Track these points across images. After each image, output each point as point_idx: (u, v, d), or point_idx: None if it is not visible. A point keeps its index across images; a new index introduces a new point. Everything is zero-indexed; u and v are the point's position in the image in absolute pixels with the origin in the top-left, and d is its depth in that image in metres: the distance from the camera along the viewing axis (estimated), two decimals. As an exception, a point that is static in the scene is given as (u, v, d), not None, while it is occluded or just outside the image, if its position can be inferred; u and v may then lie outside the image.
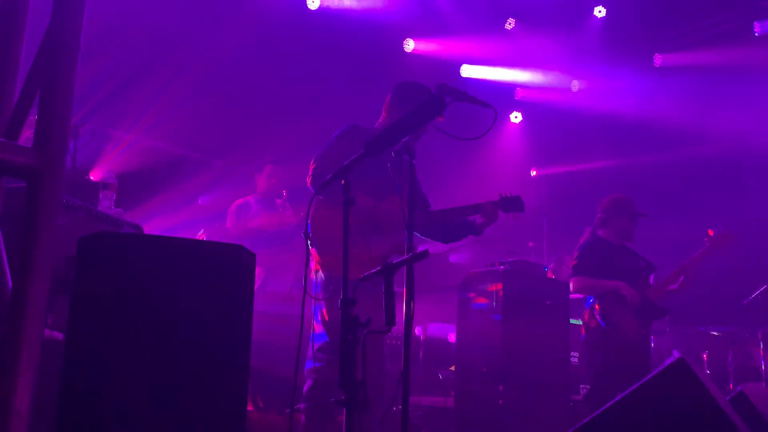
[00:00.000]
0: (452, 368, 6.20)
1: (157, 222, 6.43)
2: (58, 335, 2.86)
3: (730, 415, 2.35)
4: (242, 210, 6.54)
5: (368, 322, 2.34)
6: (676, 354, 2.18)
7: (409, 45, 9.19)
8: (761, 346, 6.07)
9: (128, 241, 2.04)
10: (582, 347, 5.38)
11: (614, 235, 5.34)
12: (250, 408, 5.14)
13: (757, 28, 8.82)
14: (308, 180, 3.84)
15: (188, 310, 1.97)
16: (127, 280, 1.97)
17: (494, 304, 5.37)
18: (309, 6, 7.63)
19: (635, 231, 5.37)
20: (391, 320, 2.43)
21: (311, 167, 3.84)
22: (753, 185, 8.83)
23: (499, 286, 5.38)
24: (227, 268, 2.06)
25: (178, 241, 2.08)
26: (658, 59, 9.80)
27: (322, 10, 7.80)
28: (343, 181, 2.52)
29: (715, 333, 6.31)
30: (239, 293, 2.06)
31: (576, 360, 6.60)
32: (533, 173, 11.08)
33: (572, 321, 6.23)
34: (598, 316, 5.05)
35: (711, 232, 5.18)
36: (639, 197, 5.63)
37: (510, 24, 9.44)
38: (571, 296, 6.15)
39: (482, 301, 5.49)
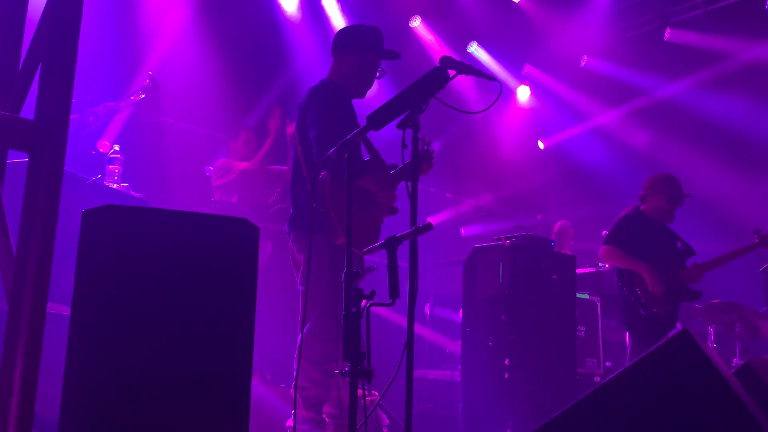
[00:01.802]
0: (459, 342, 6.22)
1: (165, 196, 6.45)
2: (65, 309, 2.88)
3: (734, 387, 2.35)
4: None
5: (372, 295, 2.35)
6: (679, 326, 2.18)
7: (416, 21, 9.13)
8: (768, 320, 6.07)
9: (133, 215, 2.04)
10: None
11: (653, 213, 5.36)
12: (257, 381, 5.19)
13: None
14: (316, 155, 3.63)
15: (193, 283, 1.98)
16: (131, 254, 1.97)
17: (501, 278, 5.38)
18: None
19: (676, 211, 5.37)
20: (394, 293, 2.44)
21: (317, 139, 3.62)
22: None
23: (506, 260, 5.38)
24: (232, 241, 2.07)
25: (182, 214, 2.08)
26: (668, 34, 9.73)
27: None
28: (346, 155, 2.51)
29: (722, 307, 6.29)
30: (244, 266, 2.06)
31: (582, 334, 6.62)
32: (541, 145, 11.04)
33: (579, 295, 6.24)
34: (624, 288, 5.13)
35: (757, 236, 5.32)
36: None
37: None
38: (601, 265, 6.15)
39: (489, 275, 5.49)
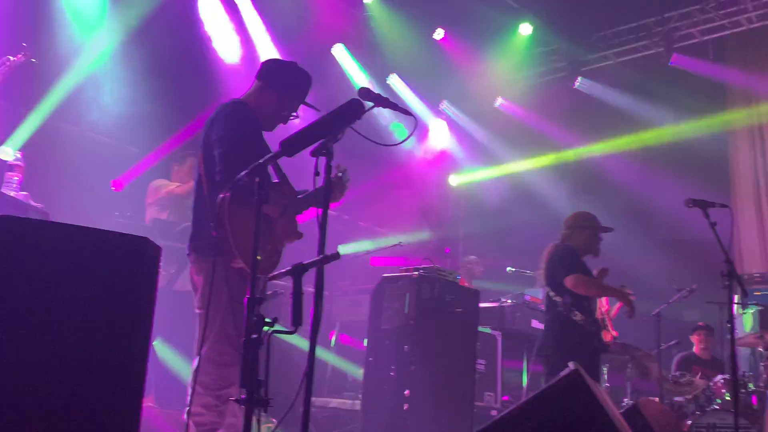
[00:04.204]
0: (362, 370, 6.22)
1: (67, 207, 6.21)
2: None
3: (619, 428, 2.44)
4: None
5: (274, 322, 2.33)
6: (571, 366, 2.26)
7: (338, 50, 9.20)
8: (658, 362, 6.35)
9: (27, 227, 1.96)
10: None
11: (581, 248, 5.46)
12: (150, 403, 5.03)
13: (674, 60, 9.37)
14: (219, 173, 3.47)
15: (86, 301, 1.91)
16: (22, 268, 1.89)
17: (407, 308, 5.42)
18: None
19: (599, 246, 5.50)
20: (298, 321, 2.42)
21: (222, 158, 3.50)
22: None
23: (413, 291, 5.43)
24: (131, 259, 2.01)
25: (80, 229, 2.01)
26: (578, 81, 10.22)
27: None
28: (257, 179, 2.49)
29: (616, 348, 6.54)
30: (141, 284, 2.01)
31: (482, 367, 6.73)
32: (453, 182, 11.27)
33: (481, 329, 6.36)
34: (580, 317, 5.15)
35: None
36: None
37: (439, 34, 9.57)
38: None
39: (395, 305, 5.52)
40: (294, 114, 3.88)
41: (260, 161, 2.53)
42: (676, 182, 8.59)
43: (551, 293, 5.32)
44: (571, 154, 10.27)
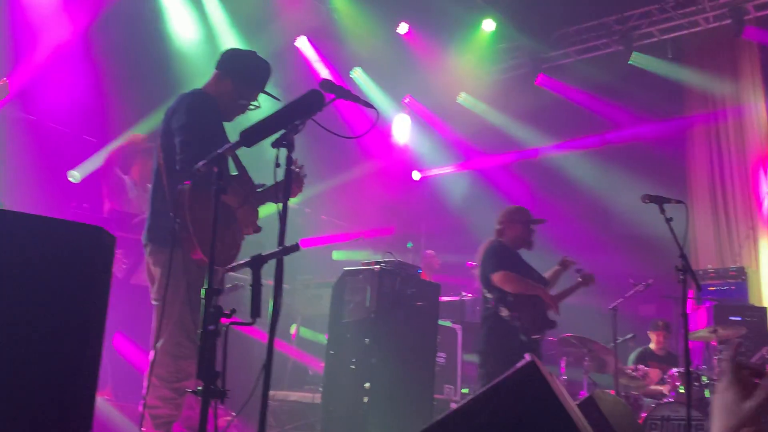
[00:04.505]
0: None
1: (24, 197, 6.08)
2: None
3: (574, 419, 2.47)
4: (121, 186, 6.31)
5: (232, 313, 2.31)
6: (527, 357, 2.28)
7: (302, 42, 9.15)
8: (614, 355, 6.45)
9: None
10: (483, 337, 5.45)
11: (513, 242, 5.51)
12: (106, 396, 4.96)
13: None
14: (179, 162, 3.45)
15: (37, 291, 1.86)
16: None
17: (368, 302, 5.42)
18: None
19: (533, 239, 5.55)
20: (256, 312, 2.40)
21: (183, 147, 3.48)
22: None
23: (374, 284, 5.43)
24: (85, 249, 1.97)
25: (33, 218, 1.96)
26: (539, 78, 10.33)
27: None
28: (216, 169, 2.47)
29: (574, 341, 6.63)
30: (95, 275, 1.97)
31: (443, 360, 6.77)
32: (416, 176, 11.30)
33: (441, 322, 6.39)
34: (507, 313, 5.18)
35: (580, 275, 5.58)
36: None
37: (403, 29, 9.58)
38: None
39: (356, 298, 5.52)
40: (253, 104, 3.85)
41: (219, 150, 2.51)
42: (634, 181, 8.76)
43: (483, 290, 5.42)
44: (532, 151, 10.41)
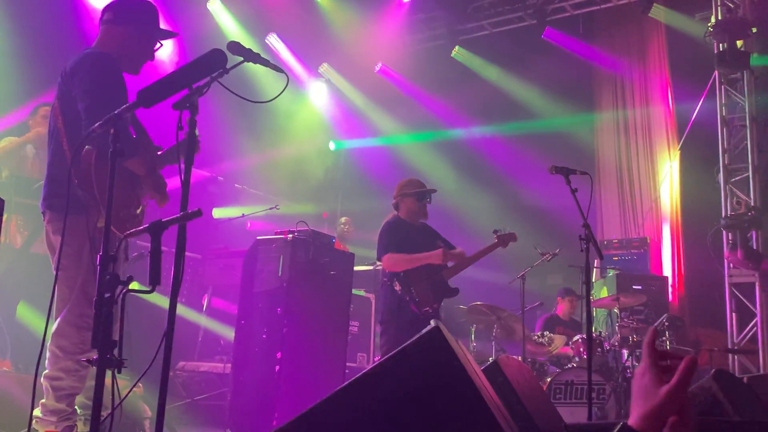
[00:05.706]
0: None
1: None
2: None
3: (476, 383, 2.50)
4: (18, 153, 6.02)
5: (129, 280, 2.23)
6: (432, 323, 2.30)
7: (215, 5, 8.87)
8: (522, 323, 6.63)
9: None
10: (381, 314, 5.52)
11: (408, 216, 5.53)
12: (6, 368, 4.77)
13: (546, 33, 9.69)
14: (85, 129, 3.24)
15: None
16: None
17: (280, 271, 5.37)
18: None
19: (427, 208, 5.58)
20: (155, 280, 2.33)
21: (89, 113, 3.29)
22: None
23: (287, 253, 5.38)
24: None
25: None
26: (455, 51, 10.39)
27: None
28: (112, 131, 2.36)
29: (484, 309, 6.78)
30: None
31: (356, 329, 6.81)
32: (332, 146, 11.23)
33: (355, 291, 6.41)
34: (399, 288, 5.23)
35: (497, 236, 5.63)
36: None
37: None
38: (379, 263, 6.27)
39: (269, 267, 5.46)
40: (156, 44, 3.74)
41: (115, 111, 2.39)
42: (545, 159, 9.02)
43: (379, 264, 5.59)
44: (449, 132, 10.55)
